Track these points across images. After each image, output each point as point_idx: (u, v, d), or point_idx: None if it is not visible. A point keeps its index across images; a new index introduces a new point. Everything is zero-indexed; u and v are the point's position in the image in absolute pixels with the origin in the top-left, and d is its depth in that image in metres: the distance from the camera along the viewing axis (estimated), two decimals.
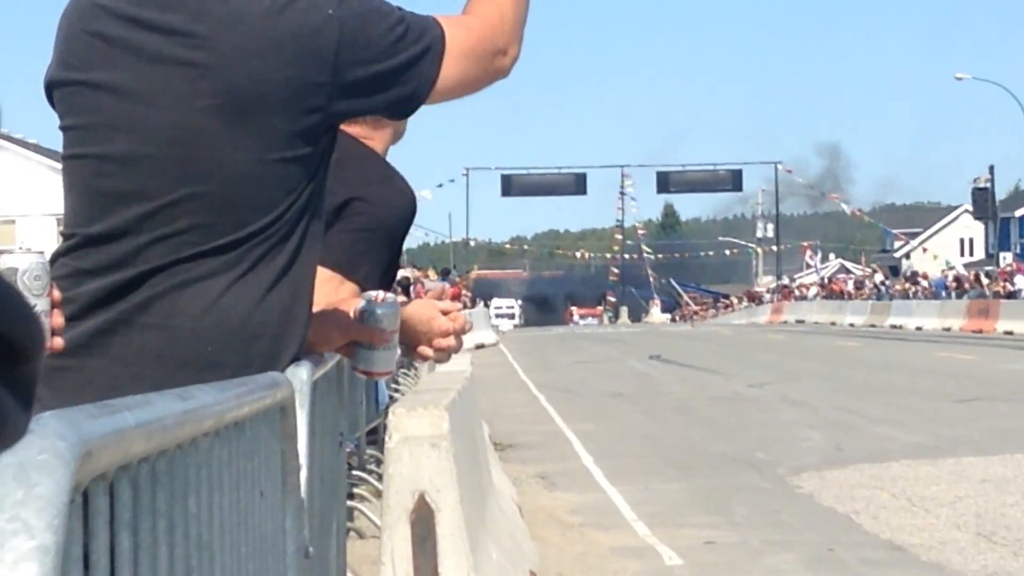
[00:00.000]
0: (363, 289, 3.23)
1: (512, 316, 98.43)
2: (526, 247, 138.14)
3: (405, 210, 3.37)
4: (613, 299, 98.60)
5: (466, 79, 2.75)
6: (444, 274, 32.86)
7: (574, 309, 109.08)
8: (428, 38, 2.67)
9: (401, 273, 22.77)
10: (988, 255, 68.88)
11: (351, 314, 2.99)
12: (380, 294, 2.99)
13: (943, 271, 61.12)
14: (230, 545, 1.81)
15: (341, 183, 2.83)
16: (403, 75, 2.64)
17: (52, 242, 29.41)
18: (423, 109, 2.76)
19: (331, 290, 3.13)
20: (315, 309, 2.74)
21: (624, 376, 26.10)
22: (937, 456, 12.53)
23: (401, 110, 2.73)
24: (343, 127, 2.79)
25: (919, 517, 9.56)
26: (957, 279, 55.19)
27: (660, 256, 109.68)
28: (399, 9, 2.68)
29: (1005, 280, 49.01)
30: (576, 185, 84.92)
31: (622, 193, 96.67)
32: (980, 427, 14.83)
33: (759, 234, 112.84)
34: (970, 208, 75.64)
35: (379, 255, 3.27)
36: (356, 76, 2.57)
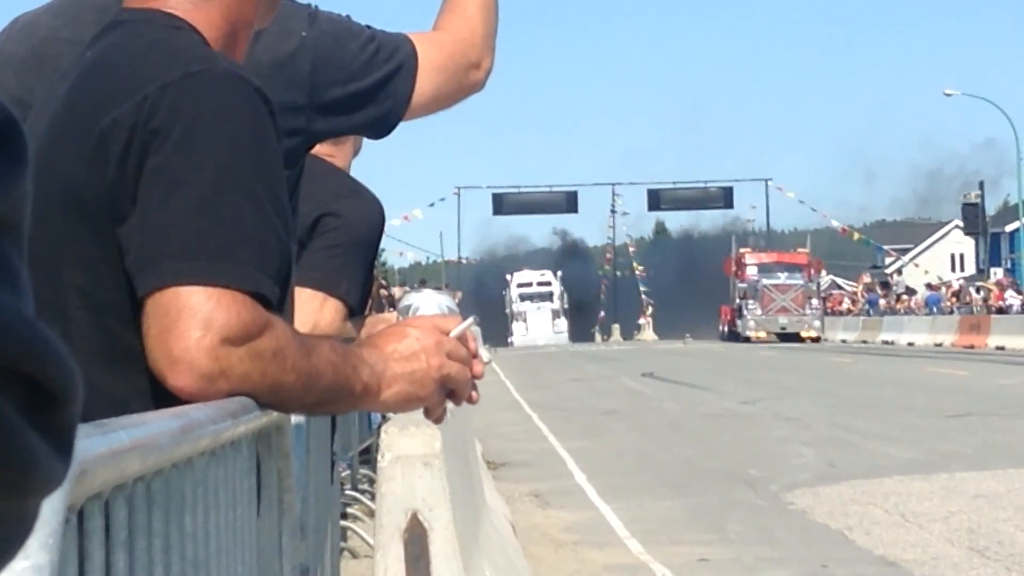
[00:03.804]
0: (347, 305, 3.24)
1: (549, 296, 69.00)
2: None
3: (376, 220, 3.39)
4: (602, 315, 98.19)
5: (440, 94, 2.76)
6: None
7: (746, 252, 64.64)
8: (400, 56, 2.68)
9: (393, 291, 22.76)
10: (979, 270, 69.02)
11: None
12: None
13: (935, 285, 61.17)
14: (226, 564, 1.81)
15: (309, 201, 2.83)
16: (378, 93, 2.65)
17: None
18: (407, 127, 2.77)
19: (315, 308, 3.14)
20: (305, 330, 2.74)
21: (617, 394, 26.08)
22: (930, 472, 12.54)
23: (380, 128, 2.74)
24: None
25: (912, 533, 9.56)
26: (956, 293, 55.19)
27: (652, 273, 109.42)
28: (369, 28, 2.70)
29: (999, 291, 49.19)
30: (567, 203, 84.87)
31: (613, 211, 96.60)
32: (973, 442, 14.84)
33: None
34: (961, 224, 75.86)
35: (357, 268, 3.28)
36: (332, 96, 2.59)
